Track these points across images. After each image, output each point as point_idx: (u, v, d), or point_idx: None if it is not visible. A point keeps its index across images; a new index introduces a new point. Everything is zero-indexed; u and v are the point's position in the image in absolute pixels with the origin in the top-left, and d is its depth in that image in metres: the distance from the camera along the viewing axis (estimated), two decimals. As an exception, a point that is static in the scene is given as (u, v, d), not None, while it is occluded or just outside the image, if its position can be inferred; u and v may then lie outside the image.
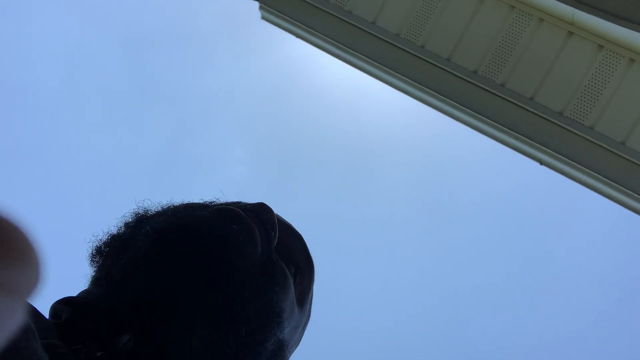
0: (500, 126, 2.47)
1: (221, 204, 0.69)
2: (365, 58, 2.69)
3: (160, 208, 0.69)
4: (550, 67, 2.46)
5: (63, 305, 0.58)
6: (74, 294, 0.63)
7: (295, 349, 0.81)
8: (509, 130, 2.47)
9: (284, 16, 2.83)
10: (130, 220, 0.67)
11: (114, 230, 0.67)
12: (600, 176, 2.34)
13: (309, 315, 0.83)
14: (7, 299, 0.18)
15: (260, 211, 0.69)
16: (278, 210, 0.81)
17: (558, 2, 2.32)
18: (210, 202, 0.72)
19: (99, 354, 0.50)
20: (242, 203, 0.73)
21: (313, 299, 0.84)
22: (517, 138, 2.48)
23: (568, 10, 2.36)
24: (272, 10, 2.85)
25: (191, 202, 0.72)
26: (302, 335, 0.82)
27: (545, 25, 2.49)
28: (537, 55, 2.48)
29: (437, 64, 2.56)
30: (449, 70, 2.55)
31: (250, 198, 0.76)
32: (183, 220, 0.62)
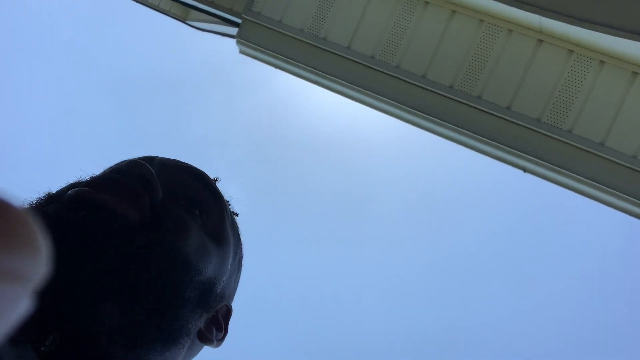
0: (480, 137, 2.50)
1: (74, 191, 0.65)
2: (343, 82, 2.74)
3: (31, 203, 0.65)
4: (523, 75, 2.50)
5: None
6: None
7: (236, 276, 0.83)
8: (490, 141, 2.50)
9: (261, 48, 2.88)
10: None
11: None
12: (582, 178, 2.36)
13: (239, 240, 0.83)
14: (13, 287, 0.18)
15: (130, 170, 0.67)
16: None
17: (524, 12, 2.37)
18: (71, 186, 0.68)
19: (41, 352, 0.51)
20: (114, 167, 0.72)
21: (237, 222, 0.84)
22: (498, 148, 2.51)
23: (535, 19, 2.42)
24: (248, 43, 2.90)
25: (62, 187, 0.68)
26: (240, 259, 0.83)
27: (515, 35, 2.54)
28: (509, 65, 2.52)
29: (413, 82, 2.61)
30: (426, 87, 2.59)
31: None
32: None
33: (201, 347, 0.73)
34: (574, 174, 2.38)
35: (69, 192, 0.63)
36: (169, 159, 0.81)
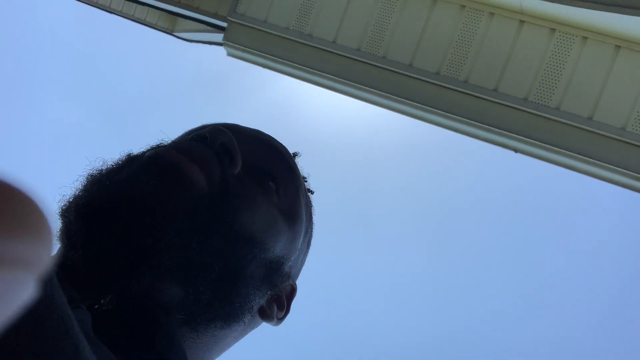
0: (469, 121, 2.53)
1: (151, 152, 0.65)
2: (332, 76, 2.76)
3: (104, 167, 0.66)
4: (508, 57, 2.53)
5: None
6: None
7: (304, 256, 0.81)
8: (479, 124, 2.52)
9: (248, 49, 2.91)
10: (85, 182, 0.65)
11: (74, 194, 0.64)
12: (573, 153, 2.39)
13: (311, 219, 0.81)
14: (20, 274, 0.18)
15: (213, 137, 0.66)
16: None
17: (504, -6, 2.40)
18: (154, 147, 0.69)
19: (87, 306, 0.50)
20: (196, 131, 0.71)
21: (312, 202, 0.83)
22: (488, 130, 2.53)
23: (515, 0, 2.44)
24: (235, 45, 2.93)
25: (132, 152, 0.68)
26: (309, 240, 0.82)
27: (497, 18, 2.56)
28: (493, 48, 2.55)
29: (400, 71, 2.63)
30: (413, 75, 2.62)
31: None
32: (100, 191, 0.59)
33: (257, 325, 0.71)
34: (564, 150, 2.40)
35: (148, 152, 0.63)
36: (250, 129, 0.78)
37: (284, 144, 0.79)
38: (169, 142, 0.70)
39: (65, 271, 0.57)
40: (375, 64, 2.68)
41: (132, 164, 0.63)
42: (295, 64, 2.84)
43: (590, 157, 2.36)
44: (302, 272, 0.83)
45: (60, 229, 0.63)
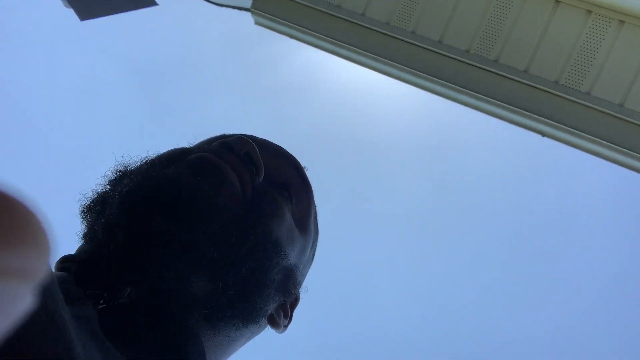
0: (498, 102, 2.48)
1: (197, 152, 0.68)
2: (358, 50, 2.72)
3: (139, 162, 0.69)
4: (541, 38, 2.47)
5: (68, 263, 0.60)
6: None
7: (309, 267, 0.84)
8: (507, 105, 2.48)
9: (275, 18, 2.87)
10: (113, 177, 0.68)
11: (100, 188, 0.68)
12: (602, 140, 2.34)
13: (317, 231, 0.84)
14: (17, 285, 0.18)
15: (239, 146, 0.68)
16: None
17: (541, -27, 2.34)
18: (184, 149, 0.71)
19: (100, 307, 0.51)
20: (224, 138, 0.73)
21: (318, 215, 0.85)
22: (516, 112, 2.49)
23: (552, -20, 2.38)
24: (263, 14, 2.89)
25: (170, 150, 0.72)
26: (314, 252, 0.84)
27: (532, -3, 2.50)
28: (526, 27, 2.49)
29: (429, 47, 2.59)
30: (442, 52, 2.57)
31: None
32: (149, 182, 0.61)
33: (261, 331, 0.72)
34: (593, 137, 2.35)
35: (192, 155, 0.66)
36: (267, 141, 0.81)
37: (295, 157, 0.82)
38: (199, 146, 0.72)
39: (74, 267, 0.58)
40: (403, 38, 2.64)
41: (173, 162, 0.66)
42: (322, 36, 2.80)
43: (618, 145, 2.31)
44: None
45: (92, 218, 0.64)
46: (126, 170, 0.68)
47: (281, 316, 0.72)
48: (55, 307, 0.34)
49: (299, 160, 0.83)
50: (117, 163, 0.69)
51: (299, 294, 0.78)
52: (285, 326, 0.74)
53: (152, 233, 0.57)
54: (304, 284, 0.84)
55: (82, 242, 0.66)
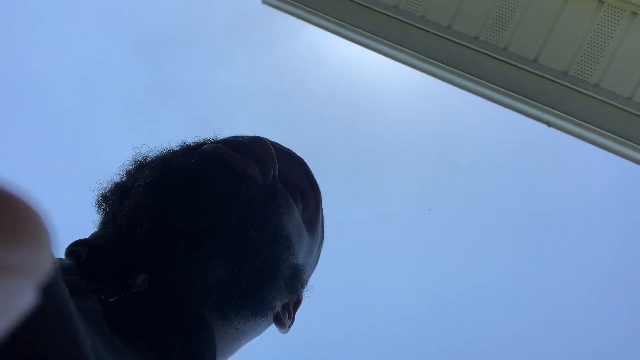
0: (505, 90, 2.46)
1: (211, 146, 0.69)
2: (365, 32, 2.69)
3: (157, 153, 0.70)
4: (551, 27, 2.44)
5: (79, 247, 0.59)
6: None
7: (312, 271, 0.85)
8: (515, 94, 2.46)
9: (283, -3, 2.84)
10: (131, 167, 0.69)
11: (117, 179, 0.69)
12: (608, 133, 2.33)
13: (323, 237, 0.85)
14: (19, 282, 0.17)
15: (256, 145, 0.70)
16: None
17: (555, -39, 2.30)
18: (205, 142, 0.73)
19: (111, 300, 0.51)
20: (239, 138, 0.74)
21: (324, 221, 0.87)
22: (523, 101, 2.47)
23: (566, -32, 2.35)
24: (270, -8, 2.86)
25: (187, 143, 0.73)
26: (319, 256, 0.85)
27: (544, -15, 2.47)
28: (537, 16, 2.46)
29: (437, 32, 2.56)
30: (450, 38, 2.54)
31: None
32: (175, 170, 0.63)
33: (265, 329, 0.73)
34: (599, 129, 2.34)
35: (205, 146, 0.68)
36: (279, 144, 0.83)
37: (305, 161, 0.84)
38: (219, 139, 0.74)
39: (84, 253, 0.57)
40: (412, 23, 2.61)
41: (194, 153, 0.67)
42: (329, 17, 2.77)
43: (624, 138, 2.30)
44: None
45: (111, 206, 0.65)
46: (144, 161, 0.69)
47: (286, 315, 0.73)
48: (62, 300, 0.33)
49: (309, 165, 0.85)
50: (135, 154, 0.70)
51: (302, 295, 0.79)
52: (289, 326, 0.74)
53: (177, 219, 0.58)
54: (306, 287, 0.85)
55: (100, 229, 0.66)
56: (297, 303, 0.77)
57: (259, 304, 0.62)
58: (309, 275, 0.83)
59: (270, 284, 0.62)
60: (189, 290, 0.57)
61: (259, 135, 0.75)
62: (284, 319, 0.71)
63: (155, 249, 0.57)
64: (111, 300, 0.50)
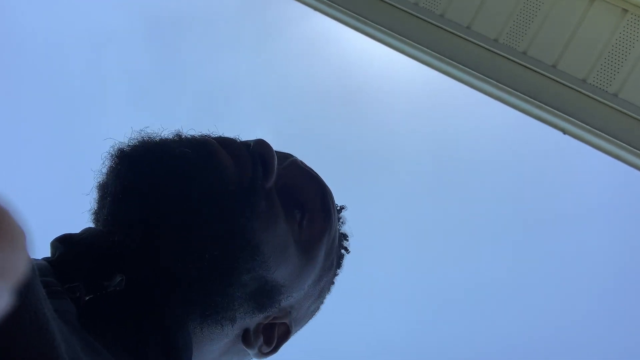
0: (522, 95, 2.43)
1: (196, 135, 0.68)
2: (383, 29, 2.66)
3: (137, 141, 0.67)
4: (572, 33, 2.41)
5: (59, 243, 0.58)
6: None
7: (312, 303, 0.78)
8: (532, 99, 2.43)
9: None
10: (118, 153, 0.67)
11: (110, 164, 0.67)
12: (624, 144, 2.30)
13: (329, 270, 0.79)
14: None
15: (255, 146, 0.68)
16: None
17: (581, -34, 2.26)
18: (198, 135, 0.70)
19: (87, 298, 0.50)
20: (242, 140, 0.72)
21: (343, 260, 0.82)
22: (539, 107, 2.44)
23: (591, -25, 2.31)
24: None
25: (180, 134, 0.70)
26: (321, 289, 0.79)
27: (568, -10, 2.43)
28: (559, 21, 2.43)
29: (457, 32, 2.52)
30: (469, 39, 2.51)
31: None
32: (142, 148, 0.62)
33: (245, 356, 0.70)
34: (616, 140, 2.31)
35: (190, 137, 0.66)
36: (305, 164, 0.79)
37: (331, 191, 0.79)
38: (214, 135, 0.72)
39: (59, 249, 0.57)
40: (431, 21, 2.57)
41: (178, 142, 0.65)
42: (346, 10, 2.73)
43: (641, 150, 2.27)
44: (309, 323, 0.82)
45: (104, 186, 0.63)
46: (127, 148, 0.67)
47: (260, 339, 0.69)
48: (37, 304, 0.33)
49: (333, 194, 0.80)
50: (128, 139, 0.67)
51: (291, 327, 0.73)
52: (265, 353, 0.70)
53: (134, 182, 0.58)
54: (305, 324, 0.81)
55: (91, 221, 0.65)
56: (285, 334, 0.72)
57: (206, 305, 0.58)
58: (308, 307, 0.78)
59: (222, 287, 0.58)
60: (158, 285, 0.55)
61: (263, 139, 0.72)
62: (254, 341, 0.67)
63: (131, 246, 0.56)
64: (86, 298, 0.50)
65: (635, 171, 2.35)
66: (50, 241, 0.60)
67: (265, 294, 0.64)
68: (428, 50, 2.57)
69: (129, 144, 0.64)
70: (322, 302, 0.81)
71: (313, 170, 0.79)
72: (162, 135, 0.67)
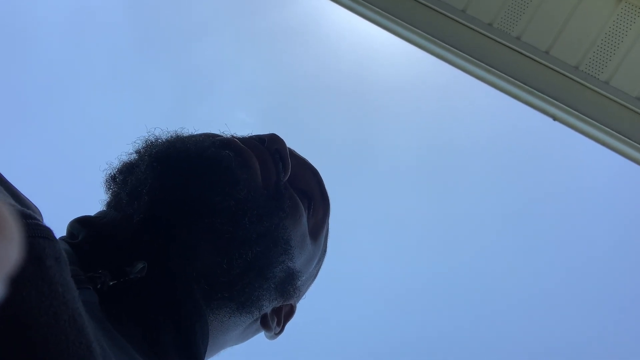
0: (515, 80, 2.44)
1: (224, 136, 0.71)
2: (375, 9, 2.63)
3: (168, 136, 0.70)
4: (567, 20, 2.41)
5: (80, 225, 0.59)
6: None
7: (311, 282, 0.84)
8: (524, 85, 2.43)
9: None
10: (140, 147, 0.69)
11: (126, 158, 0.69)
12: (614, 132, 2.32)
13: (325, 251, 0.85)
14: None
15: (270, 142, 0.70)
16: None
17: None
18: (217, 134, 0.73)
19: (111, 283, 0.51)
20: (254, 135, 0.74)
21: (329, 235, 0.86)
22: (531, 93, 2.45)
23: (588, -39, 2.31)
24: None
25: (200, 132, 0.73)
26: (319, 269, 0.85)
27: (563, -24, 2.43)
28: (554, 7, 2.43)
29: (451, 15, 2.51)
30: (464, 22, 2.50)
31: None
32: (177, 148, 0.63)
33: (254, 334, 0.74)
34: (606, 127, 2.33)
35: (217, 138, 0.68)
36: (294, 151, 0.82)
37: (319, 171, 0.84)
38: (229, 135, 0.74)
39: (82, 233, 0.58)
40: (426, 3, 2.55)
41: (201, 140, 0.68)
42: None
43: (631, 139, 2.30)
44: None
45: (117, 186, 0.65)
46: (155, 141, 0.69)
47: (274, 320, 0.72)
48: (74, 303, 0.34)
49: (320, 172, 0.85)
50: (147, 134, 0.70)
51: (295, 306, 0.78)
52: (277, 333, 0.74)
53: (174, 193, 0.59)
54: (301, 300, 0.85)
55: (106, 208, 0.66)
56: (290, 314, 0.77)
57: (245, 299, 0.61)
58: (307, 286, 0.83)
59: (260, 281, 0.62)
60: (180, 279, 0.56)
61: (276, 133, 0.75)
62: (271, 323, 0.71)
63: (154, 235, 0.57)
64: (111, 283, 0.51)
65: (623, 159, 2.38)
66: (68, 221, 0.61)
67: (287, 283, 0.68)
68: (421, 32, 2.56)
69: (159, 140, 0.67)
70: (315, 279, 0.86)
71: (300, 155, 0.83)
72: (188, 132, 0.70)
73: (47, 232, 0.37)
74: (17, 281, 0.31)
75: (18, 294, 0.31)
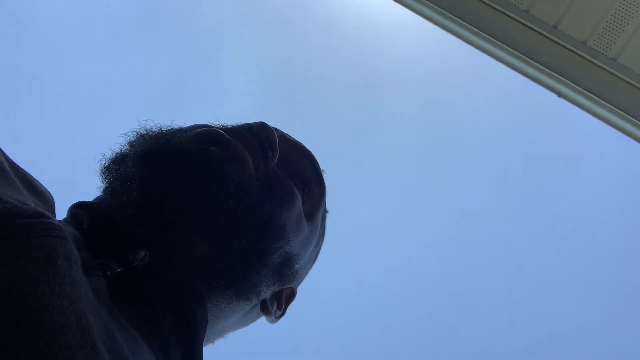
0: (521, 55, 2.41)
1: (208, 127, 0.70)
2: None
3: (156, 130, 0.70)
4: (577, -6, 2.38)
5: (82, 211, 0.60)
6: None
7: (311, 265, 0.85)
8: (530, 60, 2.41)
9: None
10: (132, 139, 0.69)
11: (119, 149, 0.69)
12: (619, 110, 2.31)
13: (324, 233, 0.86)
14: None
15: (259, 131, 0.70)
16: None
17: None
18: (207, 125, 0.73)
19: (119, 270, 0.52)
20: (243, 124, 0.74)
21: (326, 217, 0.88)
22: (537, 68, 2.43)
23: None
24: None
25: (190, 125, 0.73)
26: (318, 251, 0.86)
27: (575, -50, 2.39)
28: (564, -19, 2.39)
29: (459, -13, 2.48)
30: (472, -6, 2.47)
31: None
32: (162, 142, 0.64)
33: (255, 319, 0.75)
34: (610, 105, 2.32)
35: (200, 129, 0.68)
36: (289, 135, 0.84)
37: (314, 155, 0.84)
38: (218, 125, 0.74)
39: (87, 219, 0.59)
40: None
41: (183, 133, 0.68)
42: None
43: (635, 117, 2.28)
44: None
45: (110, 175, 0.66)
46: (145, 134, 0.69)
47: (274, 305, 0.74)
48: (80, 304, 0.35)
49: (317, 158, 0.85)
50: (139, 126, 0.71)
51: (296, 290, 0.79)
52: (278, 317, 0.75)
53: (163, 190, 0.59)
54: (302, 284, 0.86)
55: (102, 195, 0.67)
56: (291, 297, 0.78)
57: (242, 285, 0.63)
58: (307, 269, 0.84)
59: (257, 268, 0.63)
60: (179, 266, 0.58)
61: (264, 122, 0.76)
62: (271, 307, 0.72)
63: (147, 219, 0.58)
64: (118, 270, 0.52)
65: (628, 138, 2.37)
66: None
67: (285, 267, 0.69)
68: (428, 3, 2.53)
69: (148, 134, 0.68)
70: (315, 261, 0.88)
71: (294, 139, 0.84)
72: (178, 125, 0.71)
73: (59, 231, 0.37)
74: (31, 280, 0.32)
75: (34, 292, 0.32)
